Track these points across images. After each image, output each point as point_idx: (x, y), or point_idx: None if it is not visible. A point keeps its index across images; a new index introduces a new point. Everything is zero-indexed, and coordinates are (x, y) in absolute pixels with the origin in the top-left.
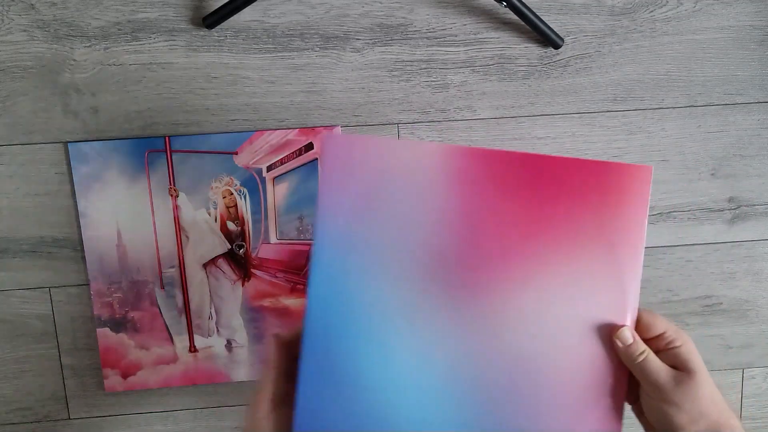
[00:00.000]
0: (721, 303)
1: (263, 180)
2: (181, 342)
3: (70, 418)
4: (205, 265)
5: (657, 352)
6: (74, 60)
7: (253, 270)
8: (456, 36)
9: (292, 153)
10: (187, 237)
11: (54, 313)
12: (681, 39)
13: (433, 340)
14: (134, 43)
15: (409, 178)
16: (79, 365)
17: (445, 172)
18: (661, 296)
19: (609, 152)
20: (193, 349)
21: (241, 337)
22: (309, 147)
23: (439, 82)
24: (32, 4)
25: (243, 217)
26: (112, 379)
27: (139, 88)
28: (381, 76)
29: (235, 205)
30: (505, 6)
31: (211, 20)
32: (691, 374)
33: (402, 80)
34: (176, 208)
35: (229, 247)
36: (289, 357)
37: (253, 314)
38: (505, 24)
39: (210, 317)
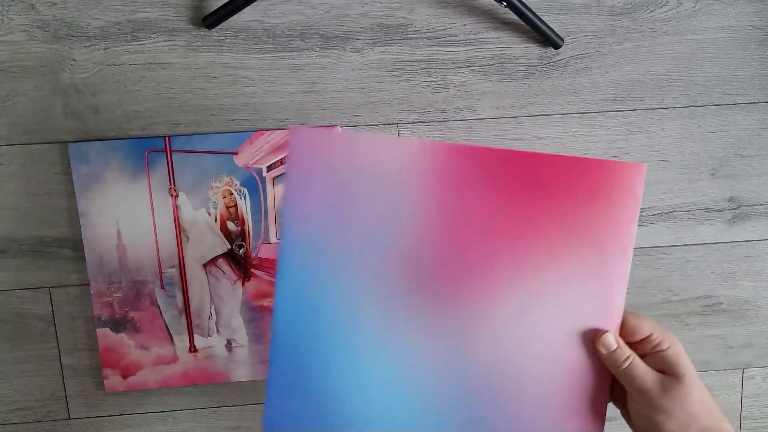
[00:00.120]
0: (721, 303)
1: (263, 180)
2: (181, 342)
3: (70, 418)
4: (205, 265)
5: (644, 355)
6: (74, 60)
7: (253, 270)
8: (456, 36)
9: None
10: (187, 237)
11: (54, 313)
12: (681, 39)
13: (410, 348)
14: (134, 43)
15: (384, 176)
16: (79, 365)
17: (422, 170)
18: (660, 296)
19: (609, 152)
20: (193, 349)
21: (241, 337)
22: None
23: (439, 82)
24: (32, 4)
25: (243, 217)
26: (112, 379)
27: (139, 88)
28: (381, 76)
29: (235, 205)
30: (505, 6)
31: (211, 20)
32: (679, 378)
33: (402, 80)
34: (176, 208)
35: (229, 247)
36: None
37: (253, 314)
38: (505, 24)
39: (210, 317)
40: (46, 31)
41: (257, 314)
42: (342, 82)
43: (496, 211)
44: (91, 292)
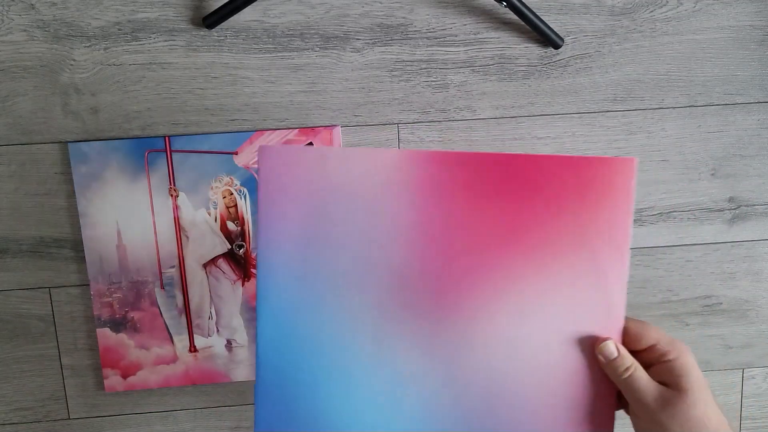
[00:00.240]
0: (721, 303)
1: None
2: (181, 342)
3: (70, 418)
4: (205, 265)
5: (649, 365)
6: (74, 60)
7: (253, 270)
8: (456, 36)
9: None
10: (187, 237)
11: (54, 313)
12: (681, 39)
13: (403, 365)
14: (134, 43)
15: (362, 191)
16: (79, 365)
17: (401, 181)
18: (660, 296)
19: (609, 152)
20: (193, 349)
21: (241, 337)
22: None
23: (439, 82)
24: (32, 4)
25: (243, 217)
26: (112, 379)
27: (139, 88)
28: (381, 76)
29: (235, 205)
30: (505, 6)
31: (211, 20)
32: (681, 393)
33: (402, 80)
34: (176, 208)
35: (229, 247)
36: None
37: (254, 314)
38: (505, 24)
39: (210, 317)
40: (46, 31)
41: None
42: (342, 82)
43: (480, 218)
44: (91, 292)
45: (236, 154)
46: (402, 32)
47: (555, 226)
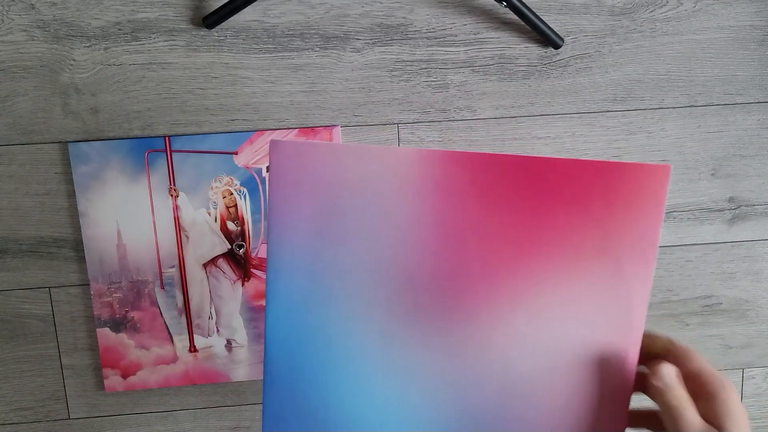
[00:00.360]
0: (721, 303)
1: (263, 180)
2: (181, 342)
3: (70, 418)
4: (205, 265)
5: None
6: (74, 60)
7: (253, 270)
8: (456, 36)
9: None
10: (187, 237)
11: (54, 313)
12: (681, 39)
13: (413, 367)
14: (134, 43)
15: (376, 189)
16: (79, 365)
17: (418, 181)
18: (660, 296)
19: (609, 152)
20: (193, 349)
21: (241, 337)
22: None
23: (439, 82)
24: (32, 4)
25: (243, 217)
26: (112, 379)
27: (139, 88)
28: (381, 76)
29: (235, 205)
30: (505, 6)
31: (211, 20)
32: None
33: (402, 80)
34: (176, 208)
35: (229, 247)
36: None
37: (253, 314)
38: (505, 24)
39: (210, 317)
40: (46, 31)
41: (257, 314)
42: (342, 82)
43: (500, 222)
44: (91, 292)
45: (236, 154)
46: (402, 32)
47: (578, 232)
